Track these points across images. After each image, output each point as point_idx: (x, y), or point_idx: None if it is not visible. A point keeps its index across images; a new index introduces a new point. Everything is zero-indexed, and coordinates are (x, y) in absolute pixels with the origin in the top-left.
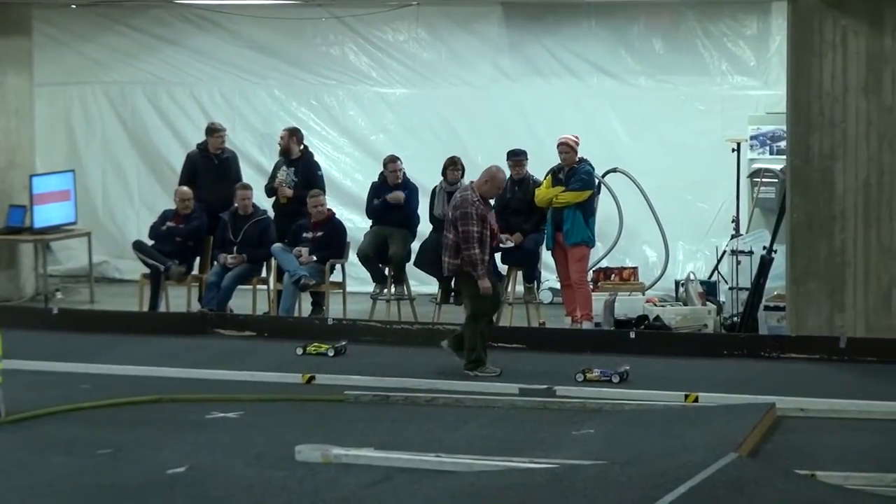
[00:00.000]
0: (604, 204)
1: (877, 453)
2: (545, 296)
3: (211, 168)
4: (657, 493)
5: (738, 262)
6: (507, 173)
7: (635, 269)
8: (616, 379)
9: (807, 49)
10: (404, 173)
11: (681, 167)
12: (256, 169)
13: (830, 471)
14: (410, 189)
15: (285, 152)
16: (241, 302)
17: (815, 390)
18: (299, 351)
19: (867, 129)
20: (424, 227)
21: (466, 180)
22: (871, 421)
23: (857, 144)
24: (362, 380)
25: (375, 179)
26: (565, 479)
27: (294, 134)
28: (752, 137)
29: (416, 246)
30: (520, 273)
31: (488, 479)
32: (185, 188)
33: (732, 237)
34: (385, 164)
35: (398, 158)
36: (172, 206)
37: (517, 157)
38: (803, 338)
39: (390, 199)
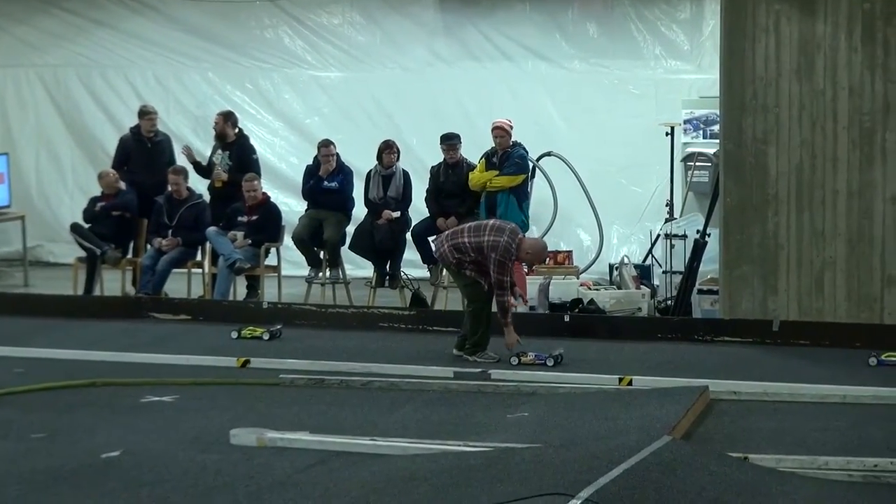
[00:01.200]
0: (538, 188)
1: (808, 436)
2: None
3: (144, 151)
4: (591, 476)
5: (672, 246)
6: (441, 157)
7: (569, 252)
8: (550, 362)
9: (740, 33)
10: (339, 157)
11: (615, 151)
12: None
13: (763, 453)
14: (345, 173)
15: (220, 136)
16: (176, 286)
17: (748, 373)
18: (234, 335)
19: (800, 114)
20: (359, 211)
21: (402, 164)
22: (803, 404)
23: (789, 128)
24: (297, 363)
25: (310, 163)
26: (500, 461)
27: (228, 118)
28: (685, 121)
29: (351, 230)
30: None
31: (423, 463)
32: (108, 170)
33: (666, 221)
34: (319, 149)
35: (332, 143)
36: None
37: (451, 142)
38: (736, 321)
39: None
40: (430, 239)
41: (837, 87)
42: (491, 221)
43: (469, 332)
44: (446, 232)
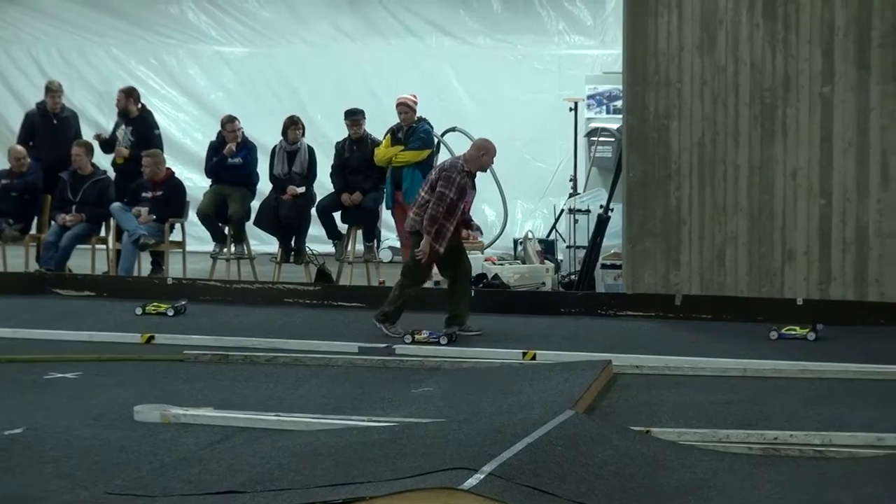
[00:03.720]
0: None
1: (709, 409)
2: (385, 255)
3: (49, 127)
4: (495, 450)
5: (576, 221)
6: (346, 132)
7: None
8: (444, 340)
9: (642, 8)
10: (243, 132)
11: (519, 126)
12: (96, 128)
13: (665, 427)
14: (248, 148)
15: (123, 112)
16: (80, 262)
17: (651, 347)
18: (139, 311)
19: (701, 89)
20: (264, 187)
21: (306, 139)
22: (704, 378)
23: (692, 104)
24: (202, 339)
25: (214, 139)
26: (403, 436)
27: (130, 94)
28: (589, 97)
29: (255, 205)
30: (359, 232)
31: (327, 438)
32: (18, 146)
33: (570, 196)
34: (223, 125)
35: (236, 118)
36: (8, 165)
37: (354, 117)
38: (639, 296)
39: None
40: (408, 215)
41: (739, 62)
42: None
43: (388, 301)
44: (413, 209)
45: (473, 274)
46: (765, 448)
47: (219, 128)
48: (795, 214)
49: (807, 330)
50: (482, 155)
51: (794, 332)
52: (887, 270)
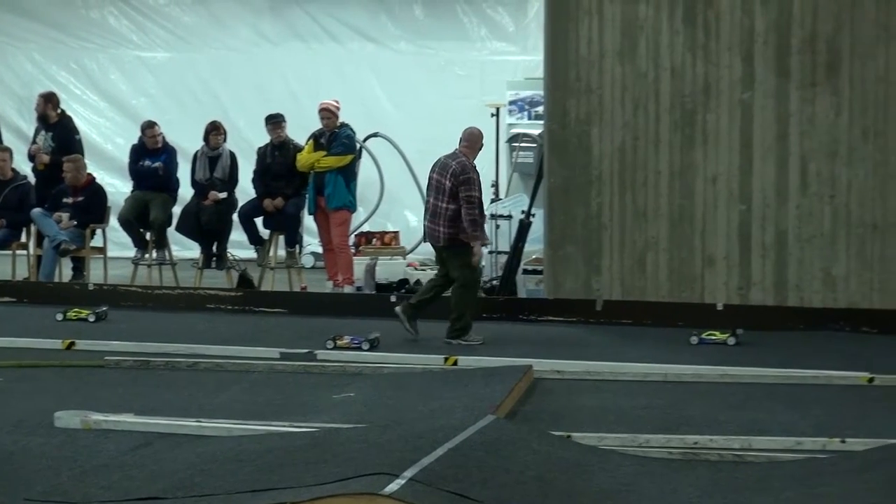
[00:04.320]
0: (365, 168)
1: (630, 414)
2: (307, 260)
3: None
4: (416, 456)
5: (498, 226)
6: (268, 138)
7: (396, 233)
8: (366, 346)
9: (563, 15)
10: (164, 137)
11: (441, 132)
12: (16, 133)
13: (585, 431)
14: (169, 153)
15: (42, 118)
16: (1, 268)
17: (572, 352)
18: (59, 316)
19: (622, 95)
20: (186, 192)
21: (228, 144)
22: (625, 382)
23: (612, 110)
24: (123, 345)
25: (136, 143)
26: (325, 442)
27: (49, 100)
28: (510, 102)
29: (177, 210)
30: (281, 237)
31: (248, 444)
32: None
33: (492, 201)
34: (143, 130)
35: (156, 123)
36: None
37: (276, 121)
38: (561, 301)
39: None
40: (425, 222)
41: (659, 68)
42: (435, 175)
43: (455, 316)
44: (427, 223)
45: (395, 279)
46: (685, 452)
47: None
48: (716, 220)
49: (727, 335)
50: (478, 144)
51: (714, 337)
52: (806, 275)
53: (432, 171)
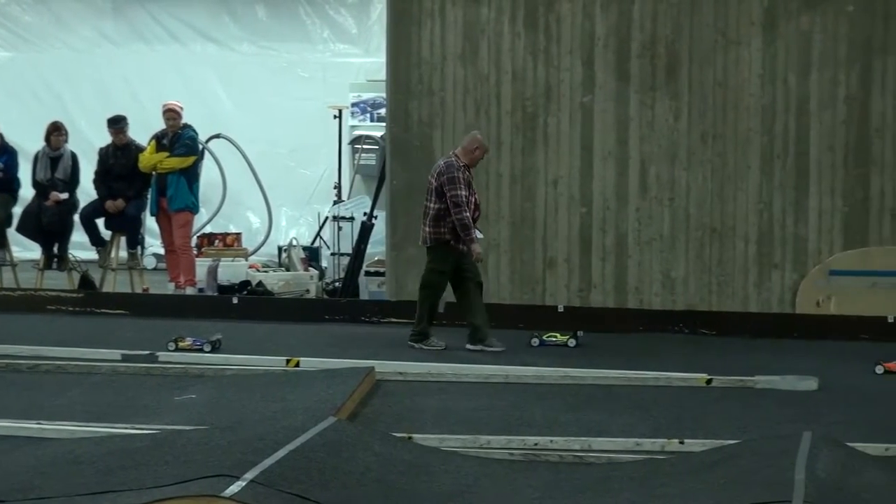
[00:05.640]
0: (208, 170)
1: (471, 415)
2: (149, 262)
3: None
4: (257, 457)
5: (340, 228)
6: (110, 139)
7: (239, 234)
8: (208, 348)
9: (405, 18)
10: (2, 137)
11: (284, 133)
12: None
13: (427, 433)
14: (10, 153)
15: None
16: None
17: (414, 354)
18: None
19: (464, 98)
20: (27, 193)
21: (70, 145)
22: (467, 384)
23: (454, 112)
24: None
25: None
26: (166, 443)
27: None
28: (353, 104)
29: (18, 211)
30: (123, 239)
31: (89, 446)
32: None
33: (334, 203)
34: None
35: None
36: None
37: (118, 125)
38: (403, 303)
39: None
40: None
41: (501, 71)
42: (429, 176)
43: (416, 320)
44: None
45: (237, 281)
46: (525, 454)
47: None
48: (556, 223)
49: (567, 336)
50: (475, 149)
51: (554, 339)
52: (646, 278)
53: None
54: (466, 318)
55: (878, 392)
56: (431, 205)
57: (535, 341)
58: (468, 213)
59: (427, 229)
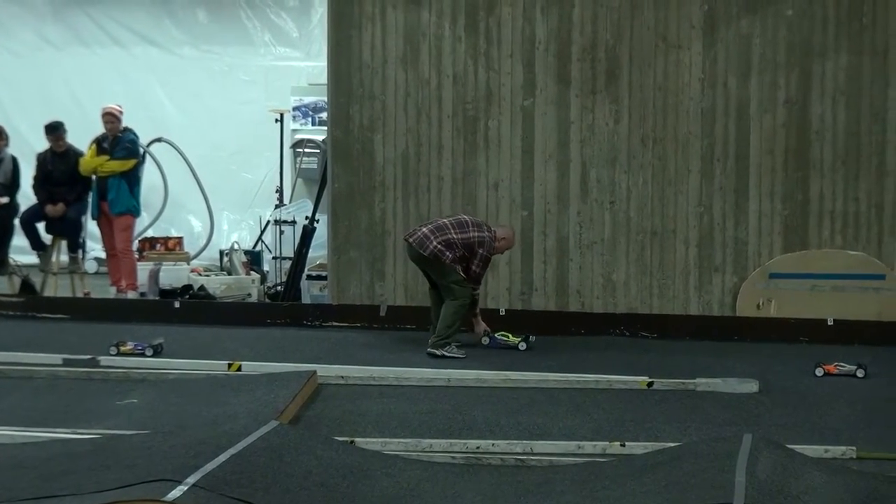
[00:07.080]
0: (149, 173)
1: (414, 419)
2: (90, 265)
3: None
4: (198, 461)
5: (282, 232)
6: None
7: (180, 238)
8: (150, 352)
9: (346, 21)
10: None
11: (225, 137)
12: None
13: (369, 437)
14: None
15: None
16: None
17: (356, 358)
18: None
19: (405, 101)
20: None
21: (10, 149)
22: (409, 388)
23: (395, 116)
24: None
25: None
26: (107, 448)
27: None
28: (294, 108)
29: None
30: (64, 243)
31: (30, 451)
32: None
33: (276, 207)
34: None
35: None
36: None
37: (56, 132)
38: (345, 306)
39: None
40: (404, 235)
41: (442, 75)
42: (467, 217)
43: (444, 325)
44: (424, 229)
45: (179, 285)
46: (467, 457)
47: None
48: (497, 224)
49: (519, 339)
50: (502, 240)
51: (506, 339)
52: (587, 281)
53: (463, 213)
54: (434, 324)
55: (817, 394)
56: (454, 236)
57: (486, 340)
58: (483, 272)
59: (434, 242)
